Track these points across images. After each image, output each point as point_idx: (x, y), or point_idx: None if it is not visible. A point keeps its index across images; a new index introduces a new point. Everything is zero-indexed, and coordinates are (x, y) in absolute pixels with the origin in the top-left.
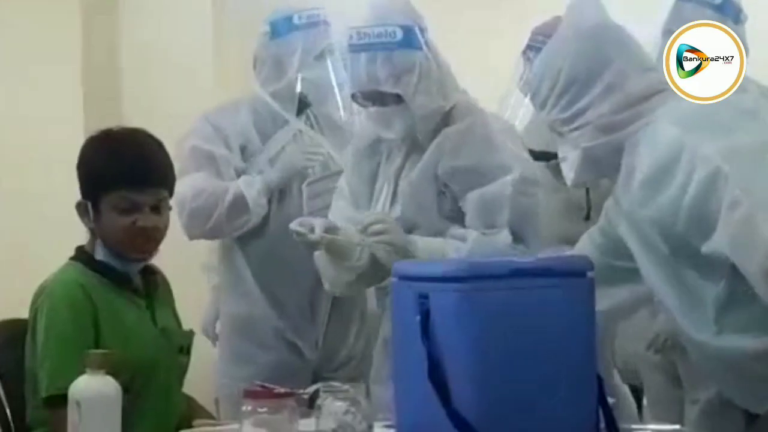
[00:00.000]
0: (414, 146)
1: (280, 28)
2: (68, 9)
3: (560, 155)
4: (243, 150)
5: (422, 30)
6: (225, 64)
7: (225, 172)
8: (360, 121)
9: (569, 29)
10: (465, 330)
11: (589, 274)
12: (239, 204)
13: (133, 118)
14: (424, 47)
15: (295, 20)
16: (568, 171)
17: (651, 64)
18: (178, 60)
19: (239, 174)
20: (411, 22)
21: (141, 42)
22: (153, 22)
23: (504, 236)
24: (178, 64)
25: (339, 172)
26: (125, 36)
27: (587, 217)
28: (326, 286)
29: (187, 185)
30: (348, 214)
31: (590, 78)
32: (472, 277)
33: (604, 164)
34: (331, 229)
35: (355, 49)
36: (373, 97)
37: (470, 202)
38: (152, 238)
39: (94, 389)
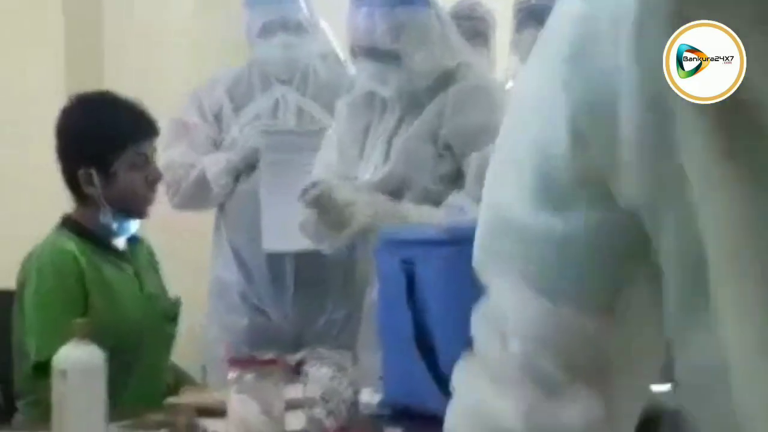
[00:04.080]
0: (411, 105)
1: None
2: None
3: None
4: (218, 118)
5: None
6: (207, 39)
7: (199, 141)
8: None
9: None
10: (450, 294)
11: None
12: (201, 182)
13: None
14: (428, 5)
15: None
16: None
17: None
18: (160, 38)
19: (216, 144)
20: None
21: (123, 20)
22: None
23: None
24: (160, 42)
25: (303, 132)
26: (107, 14)
27: None
28: (325, 247)
29: (162, 158)
30: (330, 161)
31: None
32: (456, 242)
33: None
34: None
35: (356, 3)
36: (371, 53)
37: (472, 163)
38: (156, 190)
39: (79, 357)
